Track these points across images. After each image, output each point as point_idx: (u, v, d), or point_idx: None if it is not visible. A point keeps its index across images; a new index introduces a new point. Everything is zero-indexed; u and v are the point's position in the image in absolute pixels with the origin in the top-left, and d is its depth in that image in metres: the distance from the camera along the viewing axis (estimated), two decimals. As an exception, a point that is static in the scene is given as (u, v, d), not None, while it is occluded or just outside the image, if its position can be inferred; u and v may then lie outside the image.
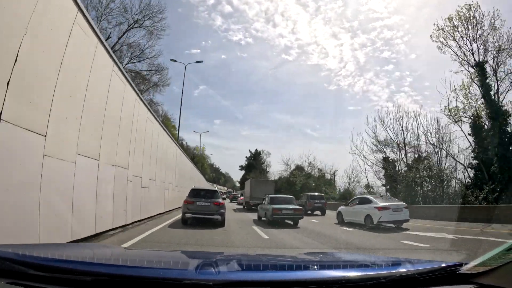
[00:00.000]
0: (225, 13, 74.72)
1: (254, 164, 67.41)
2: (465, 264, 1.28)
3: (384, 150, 26.93)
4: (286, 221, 11.44)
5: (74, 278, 1.14)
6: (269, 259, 2.26)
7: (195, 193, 10.16)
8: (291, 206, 11.78)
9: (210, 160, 73.73)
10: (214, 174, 72.91)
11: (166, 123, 34.27)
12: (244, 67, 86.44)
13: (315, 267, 1.65)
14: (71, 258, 1.44)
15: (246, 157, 71.95)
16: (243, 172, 71.27)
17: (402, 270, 1.33)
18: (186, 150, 39.80)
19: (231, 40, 78.15)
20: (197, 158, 58.35)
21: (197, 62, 35.15)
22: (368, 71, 74.22)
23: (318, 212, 19.56)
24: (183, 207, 9.89)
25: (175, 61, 28.48)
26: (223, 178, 79.61)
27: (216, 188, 12.12)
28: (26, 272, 1.14)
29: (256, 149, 71.91)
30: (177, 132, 31.29)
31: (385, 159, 27.28)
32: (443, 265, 1.34)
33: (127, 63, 26.34)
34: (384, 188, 27.86)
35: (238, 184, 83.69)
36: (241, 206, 25.11)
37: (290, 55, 79.97)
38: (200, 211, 9.46)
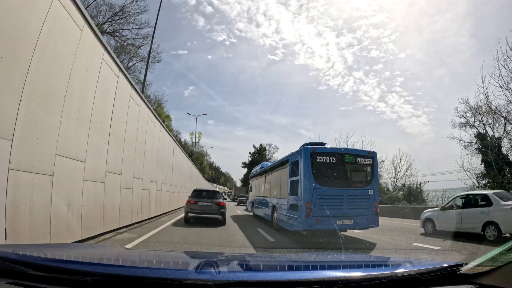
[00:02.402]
0: (206, 13, 74.69)
1: (260, 160, 62.94)
2: (465, 264, 1.28)
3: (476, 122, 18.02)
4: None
5: (74, 279, 1.14)
6: (269, 259, 2.26)
7: (197, 194, 10.78)
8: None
9: (209, 158, 69.71)
10: (214, 172, 68.96)
11: (159, 111, 31.06)
12: (231, 67, 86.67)
13: (315, 267, 1.65)
14: (71, 259, 1.44)
15: (249, 153, 67.62)
16: (245, 170, 66.97)
17: (402, 270, 1.32)
18: (183, 146, 37.80)
19: (215, 40, 78.18)
20: (195, 155, 53.51)
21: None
22: (357, 71, 74.12)
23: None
24: (186, 207, 10.54)
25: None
26: (223, 178, 77.53)
27: (218, 189, 13.37)
28: (26, 272, 1.15)
29: (261, 144, 67.68)
30: (164, 115, 31.12)
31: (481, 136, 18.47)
32: (443, 265, 1.34)
33: (104, 23, 20.98)
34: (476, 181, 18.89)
35: (239, 184, 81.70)
36: (235, 202, 38.78)
37: (276, 55, 79.98)
38: (202, 211, 10.14)
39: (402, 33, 60.38)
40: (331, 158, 7.74)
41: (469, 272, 1.24)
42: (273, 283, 1.19)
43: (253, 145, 68.65)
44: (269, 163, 14.11)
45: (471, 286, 1.20)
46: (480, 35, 46.10)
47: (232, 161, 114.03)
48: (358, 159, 8.06)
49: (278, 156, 72.14)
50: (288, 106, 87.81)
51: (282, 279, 1.23)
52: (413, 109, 63.44)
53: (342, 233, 7.84)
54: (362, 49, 65.12)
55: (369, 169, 8.10)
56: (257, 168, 16.39)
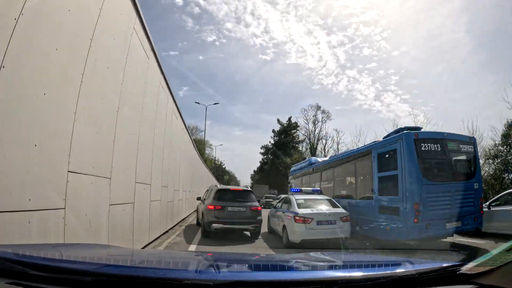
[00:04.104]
0: (194, 14, 74.54)
1: (289, 141, 46.18)
2: (465, 264, 1.28)
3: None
4: None
5: (74, 278, 1.14)
6: (269, 259, 2.26)
7: (223, 195, 8.00)
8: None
9: (211, 149, 55.88)
10: (214, 162, 55.20)
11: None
12: (223, 67, 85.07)
13: (316, 267, 1.65)
14: (71, 258, 1.44)
15: (273, 131, 49.03)
16: (260, 160, 51.43)
17: (402, 270, 1.32)
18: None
19: (205, 41, 77.39)
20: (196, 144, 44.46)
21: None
22: (350, 69, 73.60)
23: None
24: (207, 215, 7.68)
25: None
26: (227, 176, 74.10)
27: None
28: (26, 272, 1.14)
29: (290, 119, 47.94)
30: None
31: None
32: (443, 265, 1.34)
33: None
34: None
35: (243, 183, 67.32)
36: None
37: (267, 54, 78.64)
38: (233, 220, 7.50)
39: (393, 30, 60.13)
40: (435, 145, 6.37)
41: (469, 272, 1.24)
42: (273, 283, 1.19)
43: (278, 120, 49.20)
44: (319, 159, 11.94)
45: (471, 286, 1.20)
46: (477, 31, 45.52)
47: (231, 161, 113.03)
48: (461, 146, 6.72)
49: (330, 126, 54.57)
50: (284, 106, 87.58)
51: (282, 279, 1.23)
52: (410, 107, 62.68)
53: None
54: (354, 48, 64.42)
55: (472, 157, 6.79)
56: (302, 165, 13.74)
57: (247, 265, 1.77)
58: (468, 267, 1.26)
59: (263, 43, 77.84)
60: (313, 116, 45.41)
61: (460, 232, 6.64)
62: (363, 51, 64.42)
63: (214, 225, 7.33)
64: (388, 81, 61.79)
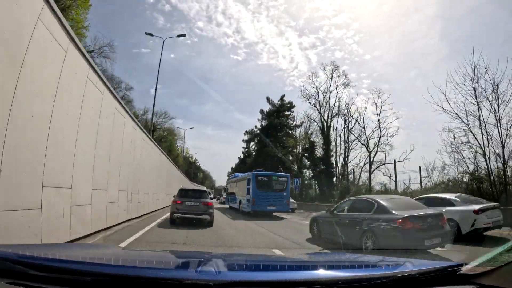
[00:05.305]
0: (165, 12, 73.65)
1: (283, 122, 38.16)
2: (466, 264, 1.28)
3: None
4: None
5: (74, 278, 1.14)
6: (269, 259, 2.26)
7: (184, 193, 10.71)
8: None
9: (181, 141, 49.22)
10: (190, 158, 51.79)
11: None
12: (195, 66, 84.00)
13: (316, 267, 1.65)
14: (71, 258, 1.44)
15: (261, 112, 40.32)
16: (242, 151, 44.78)
17: (402, 270, 1.33)
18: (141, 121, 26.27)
19: (176, 39, 77.05)
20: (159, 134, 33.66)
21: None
22: (322, 72, 73.08)
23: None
24: (172, 207, 10.51)
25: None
26: (201, 174, 67.53)
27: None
28: (26, 272, 1.14)
29: (283, 97, 39.81)
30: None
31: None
32: (443, 265, 1.34)
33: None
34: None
35: (218, 183, 62.14)
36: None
37: (239, 55, 78.06)
38: (189, 211, 10.07)
39: (366, 34, 59.35)
40: (265, 177, 15.94)
41: (469, 272, 1.24)
42: (273, 283, 1.19)
43: (268, 99, 39.82)
44: (239, 175, 21.60)
45: (471, 286, 1.20)
46: (451, 37, 44.92)
47: (206, 161, 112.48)
48: (279, 178, 16.21)
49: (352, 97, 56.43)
50: (257, 106, 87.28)
51: (282, 279, 1.23)
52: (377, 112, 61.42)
53: (272, 213, 15.69)
54: (326, 50, 63.57)
55: (285, 183, 16.03)
56: (231, 177, 24.72)
57: (247, 265, 1.77)
58: (468, 268, 1.26)
59: (234, 43, 77.25)
60: (328, 79, 29.42)
61: (275, 211, 15.66)
62: (334, 54, 63.42)
63: (175, 214, 10.24)
64: (360, 84, 61.97)
